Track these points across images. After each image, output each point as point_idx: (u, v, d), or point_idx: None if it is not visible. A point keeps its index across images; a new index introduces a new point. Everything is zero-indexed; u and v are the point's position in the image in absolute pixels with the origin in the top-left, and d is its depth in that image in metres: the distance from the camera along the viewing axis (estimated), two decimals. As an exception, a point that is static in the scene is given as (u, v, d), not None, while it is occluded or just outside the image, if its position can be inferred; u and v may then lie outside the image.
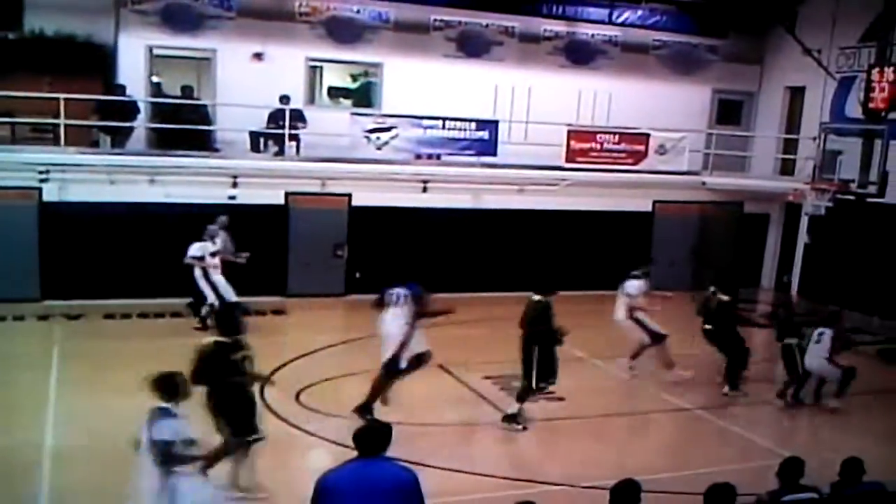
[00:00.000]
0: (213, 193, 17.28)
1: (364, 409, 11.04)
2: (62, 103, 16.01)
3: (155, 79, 18.85)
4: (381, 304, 11.30)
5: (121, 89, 17.44)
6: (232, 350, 8.83)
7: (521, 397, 11.69)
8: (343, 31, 19.61)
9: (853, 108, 19.94)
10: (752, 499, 7.35)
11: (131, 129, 17.64)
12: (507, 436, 11.48)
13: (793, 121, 22.49)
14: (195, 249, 15.54)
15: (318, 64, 20.23)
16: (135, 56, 18.13)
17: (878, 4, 18.83)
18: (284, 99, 18.17)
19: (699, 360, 14.38)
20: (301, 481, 5.93)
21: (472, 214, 19.42)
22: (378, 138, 18.22)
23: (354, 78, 21.30)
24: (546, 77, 20.86)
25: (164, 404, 7.33)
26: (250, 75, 18.51)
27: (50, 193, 16.61)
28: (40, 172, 16.35)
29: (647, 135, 20.16)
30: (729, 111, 23.37)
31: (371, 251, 18.58)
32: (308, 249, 18.66)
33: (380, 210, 18.52)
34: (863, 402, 13.35)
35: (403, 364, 11.11)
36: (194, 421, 7.70)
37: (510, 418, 11.66)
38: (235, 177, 17.49)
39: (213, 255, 15.66)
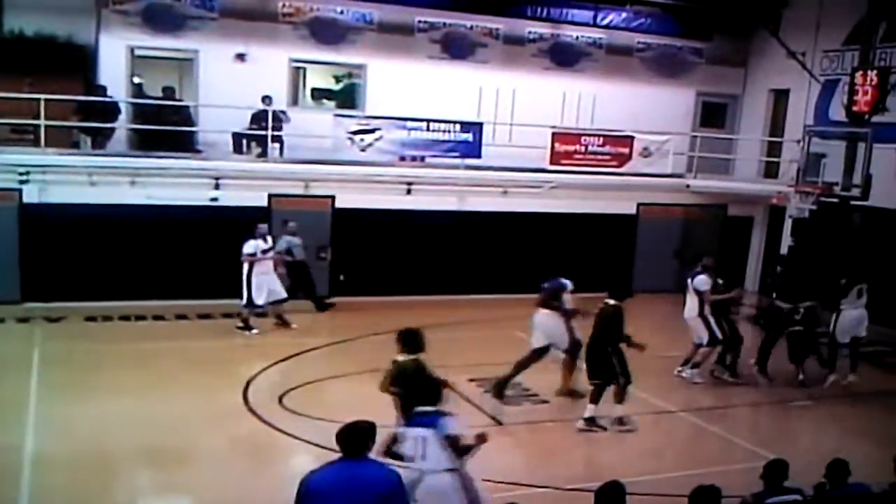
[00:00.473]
0: (195, 195, 17.16)
1: (500, 387, 12.42)
2: (42, 104, 15.89)
3: (136, 79, 18.68)
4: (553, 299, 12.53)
5: (102, 90, 17.30)
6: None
7: (621, 397, 11.85)
8: (326, 32, 19.54)
9: (837, 111, 19.99)
10: (737, 501, 7.32)
11: (112, 130, 17.52)
12: (489, 438, 11.37)
13: (777, 124, 22.55)
14: (249, 247, 15.66)
15: (301, 65, 20.12)
16: (116, 57, 18.00)
17: (861, 7, 18.88)
18: (267, 99, 18.09)
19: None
20: (284, 485, 5.84)
21: (457, 217, 19.33)
22: (362, 140, 18.14)
23: (338, 79, 21.22)
24: (530, 79, 20.87)
25: (425, 408, 7.57)
26: (233, 76, 18.40)
27: (30, 195, 16.41)
28: (20, 174, 16.18)
29: (632, 137, 20.17)
30: (713, 114, 23.42)
31: (355, 253, 18.51)
32: (292, 252, 18.53)
33: (364, 212, 18.42)
34: (847, 403, 13.38)
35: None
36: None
37: (590, 421, 11.82)
38: (218, 178, 17.36)
39: (264, 252, 15.79)
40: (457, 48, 20.62)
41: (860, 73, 18.27)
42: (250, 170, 17.67)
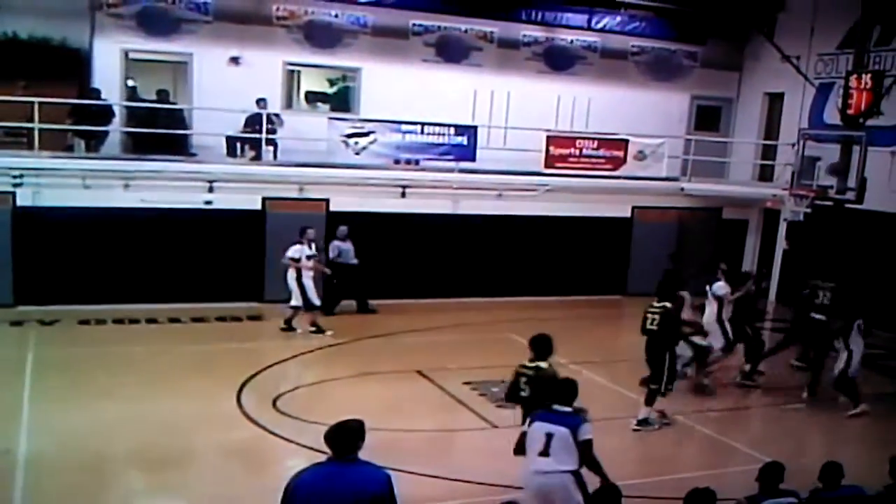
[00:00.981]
0: (189, 198, 17.07)
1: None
2: (36, 107, 15.86)
3: (130, 83, 18.68)
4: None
5: (96, 93, 17.29)
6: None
7: (650, 401, 12.05)
8: (321, 35, 19.54)
9: (832, 115, 20.05)
10: (732, 503, 7.31)
11: (106, 133, 17.51)
12: (485, 441, 11.36)
13: (771, 127, 22.60)
14: (293, 251, 15.67)
15: (295, 68, 20.11)
16: (110, 60, 17.99)
17: (855, 11, 18.95)
18: (261, 102, 18.07)
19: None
20: (277, 487, 5.80)
21: (451, 220, 19.30)
22: (356, 143, 18.12)
23: (332, 83, 21.19)
24: (525, 82, 20.87)
25: (561, 407, 7.75)
26: (227, 79, 18.41)
27: (24, 198, 16.35)
28: (14, 177, 16.11)
29: (626, 140, 20.16)
30: (708, 117, 23.45)
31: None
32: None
33: (358, 215, 18.37)
34: (841, 406, 13.36)
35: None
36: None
37: (643, 422, 12.04)
38: (212, 182, 17.30)
39: (308, 258, 15.78)
40: (451, 51, 20.63)
41: (854, 76, 18.34)
42: (244, 173, 17.63)
